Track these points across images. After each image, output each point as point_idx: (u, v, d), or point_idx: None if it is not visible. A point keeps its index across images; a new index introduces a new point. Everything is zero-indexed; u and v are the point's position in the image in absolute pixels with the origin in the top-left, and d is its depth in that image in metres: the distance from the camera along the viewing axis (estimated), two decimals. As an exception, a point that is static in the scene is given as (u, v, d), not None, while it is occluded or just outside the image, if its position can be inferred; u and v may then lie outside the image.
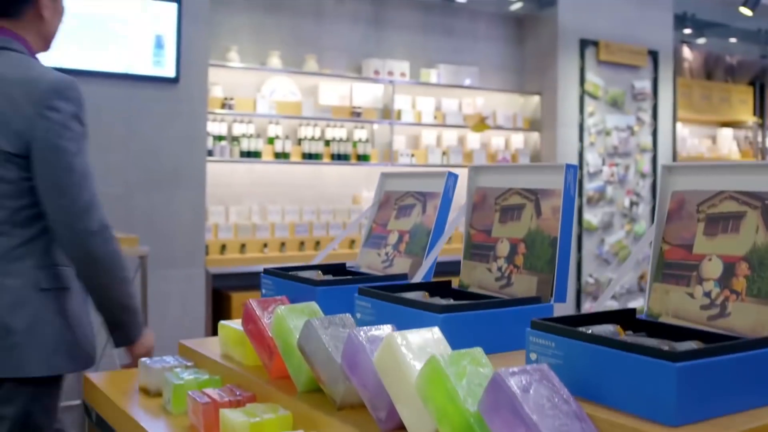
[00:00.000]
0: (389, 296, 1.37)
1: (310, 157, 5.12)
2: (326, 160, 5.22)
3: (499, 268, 1.48)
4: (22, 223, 1.79)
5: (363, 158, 5.37)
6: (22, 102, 1.75)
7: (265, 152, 5.00)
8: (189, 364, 1.63)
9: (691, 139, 7.15)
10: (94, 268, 1.81)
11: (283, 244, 4.97)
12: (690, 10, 7.01)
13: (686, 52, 7.06)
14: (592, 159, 6.21)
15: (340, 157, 5.26)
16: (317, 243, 5.10)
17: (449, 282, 1.54)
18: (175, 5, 4.45)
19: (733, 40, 7.39)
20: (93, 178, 1.80)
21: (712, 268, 1.16)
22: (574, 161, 6.13)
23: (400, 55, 5.71)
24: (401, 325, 1.20)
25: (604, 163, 6.29)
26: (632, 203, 6.48)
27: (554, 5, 6.01)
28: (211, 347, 1.69)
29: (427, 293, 1.46)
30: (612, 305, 6.10)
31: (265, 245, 4.90)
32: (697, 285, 1.17)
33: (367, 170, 5.53)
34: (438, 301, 1.41)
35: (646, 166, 6.57)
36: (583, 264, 6.19)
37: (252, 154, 4.92)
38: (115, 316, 1.88)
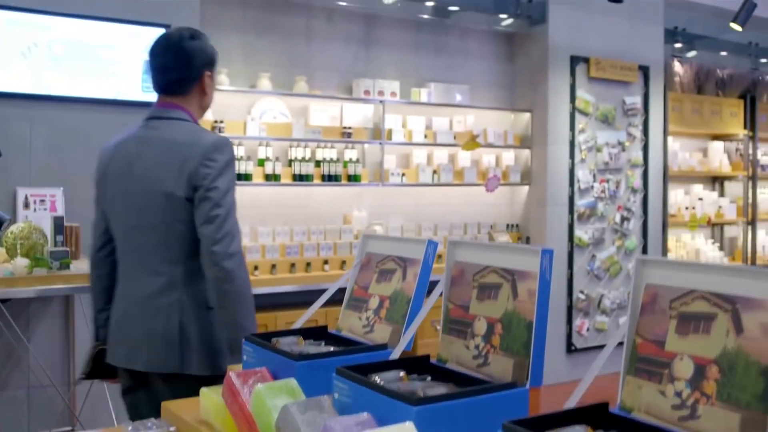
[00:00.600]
0: (366, 381, 1.37)
1: (300, 178, 5.12)
2: (317, 181, 5.22)
3: (477, 347, 1.48)
4: (194, 255, 2.31)
5: (354, 178, 5.37)
6: (191, 158, 2.29)
7: (256, 174, 5.00)
8: (172, 429, 1.64)
9: (682, 153, 7.17)
10: (225, 287, 2.26)
11: (274, 266, 4.98)
12: (681, 24, 7.03)
13: (677, 66, 7.07)
14: (582, 175, 6.22)
15: (330, 178, 5.26)
16: (308, 264, 5.11)
17: (428, 357, 1.55)
18: (163, 30, 4.44)
19: (723, 53, 7.41)
20: (235, 212, 2.35)
21: (684, 368, 1.16)
22: (565, 178, 6.14)
23: (391, 75, 5.71)
24: (377, 411, 1.24)
25: (595, 179, 6.31)
26: (623, 219, 6.49)
27: (545, 22, 6.02)
28: (196, 412, 1.69)
29: (404, 373, 1.46)
30: (604, 320, 6.12)
31: (256, 268, 4.91)
32: (668, 383, 1.17)
33: (358, 190, 5.54)
34: (414, 383, 1.41)
35: (637, 181, 6.58)
36: (574, 280, 6.20)
37: (242, 177, 4.92)
38: (240, 331, 2.19)
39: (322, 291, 1.87)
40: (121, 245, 2.46)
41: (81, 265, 3.63)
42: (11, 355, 4.21)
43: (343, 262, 5.19)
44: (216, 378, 2.09)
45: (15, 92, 4.06)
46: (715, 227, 7.82)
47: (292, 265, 5.05)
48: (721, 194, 7.75)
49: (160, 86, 2.48)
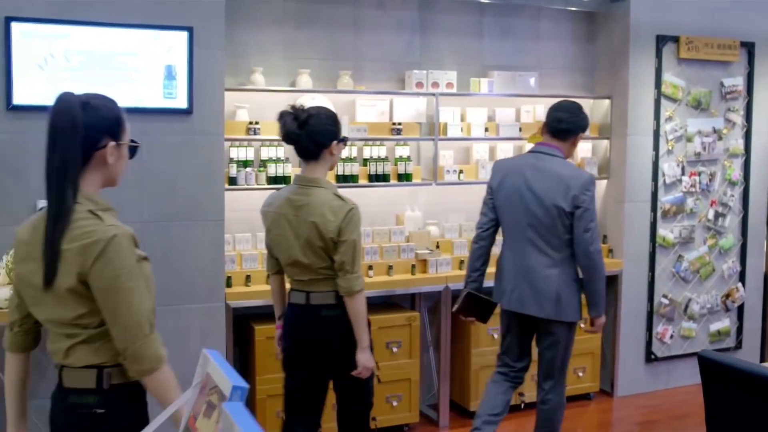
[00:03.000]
0: None
1: (345, 179, 4.86)
2: (363, 181, 4.95)
3: None
4: (566, 246, 3.77)
5: (405, 177, 5.05)
6: (573, 187, 3.72)
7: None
8: None
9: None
10: (591, 269, 3.77)
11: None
12: (799, -9, 6.17)
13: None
14: (668, 168, 5.61)
15: (378, 178, 4.97)
16: (369, 267, 4.86)
17: None
18: (185, 33, 4.26)
19: None
20: (597, 229, 3.78)
21: None
22: (648, 171, 5.56)
23: (448, 64, 5.31)
24: None
25: (684, 172, 5.68)
26: (718, 215, 5.84)
27: (626, -1, 5.41)
28: None
29: None
30: (691, 327, 5.58)
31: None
32: None
33: (412, 189, 5.22)
34: None
35: (736, 173, 5.89)
36: (656, 284, 5.65)
37: (280, 180, 4.72)
38: (595, 297, 3.83)
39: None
40: (513, 232, 3.88)
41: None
42: (36, 366, 4.23)
43: (390, 267, 4.92)
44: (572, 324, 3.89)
45: (33, 104, 4.00)
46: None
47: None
48: None
49: None
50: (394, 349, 4.89)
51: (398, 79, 5.22)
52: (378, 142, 5.00)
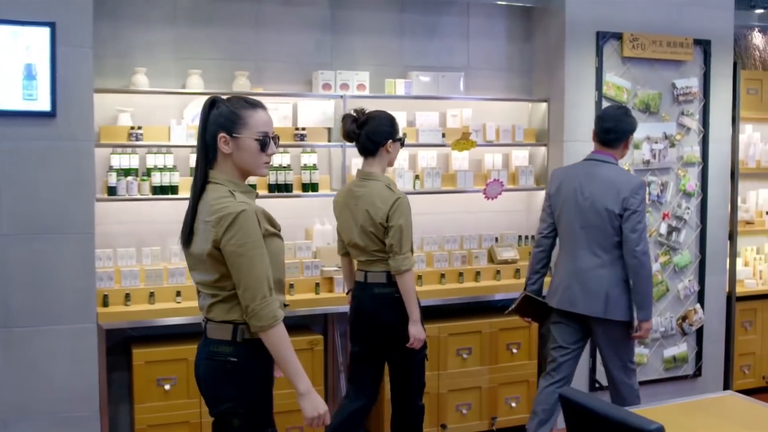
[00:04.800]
0: None
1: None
2: (261, 191, 4.55)
3: None
4: (615, 248, 3.91)
5: (311, 187, 4.64)
6: (623, 190, 3.89)
7: (183, 186, 4.39)
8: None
9: (764, 145, 5.81)
10: (638, 269, 3.86)
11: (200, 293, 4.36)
12: (763, -16, 5.67)
13: (756, 38, 5.72)
14: (612, 178, 5.11)
15: (280, 188, 4.57)
16: None
17: None
18: (47, 29, 3.91)
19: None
20: (646, 230, 3.93)
21: None
22: (589, 181, 5.07)
23: (364, 65, 4.89)
24: None
25: (630, 182, 5.17)
26: (671, 229, 5.32)
27: (562, -8, 4.95)
28: None
29: None
30: (642, 352, 5.10)
31: (178, 293, 4.31)
32: None
33: (321, 201, 4.79)
34: None
35: (692, 183, 5.37)
36: (600, 305, 5.14)
37: (166, 190, 4.33)
38: (642, 299, 3.90)
39: None
40: (567, 235, 4.05)
41: None
42: None
43: (291, 286, 4.50)
44: (630, 323, 3.98)
45: None
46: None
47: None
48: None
49: None
50: (295, 375, 4.45)
51: (306, 81, 4.82)
52: (281, 150, 4.60)
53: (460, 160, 5.08)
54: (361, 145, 3.81)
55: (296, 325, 4.68)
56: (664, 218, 5.30)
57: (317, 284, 4.57)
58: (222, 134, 2.58)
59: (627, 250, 3.87)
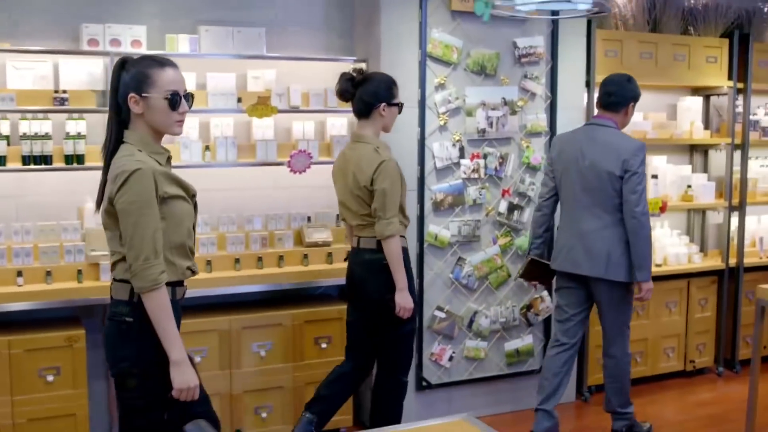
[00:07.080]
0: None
1: (-20, 161, 3.82)
2: (14, 164, 3.92)
3: None
4: (617, 209, 3.99)
5: (76, 159, 4.00)
6: (623, 153, 3.95)
7: None
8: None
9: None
10: (637, 229, 3.93)
11: None
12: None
13: (616, -7, 5.11)
14: (440, 149, 4.51)
15: (36, 160, 3.93)
16: (18, 273, 3.84)
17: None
18: None
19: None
20: (645, 192, 4.00)
21: None
22: (412, 153, 4.47)
23: (145, 19, 4.25)
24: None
25: (463, 154, 4.58)
26: (512, 207, 4.72)
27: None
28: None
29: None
30: (479, 346, 4.52)
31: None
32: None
33: (93, 175, 4.13)
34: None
35: (537, 156, 4.77)
36: (427, 293, 4.55)
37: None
38: (641, 259, 3.97)
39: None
40: (570, 198, 4.12)
41: None
42: None
43: (48, 273, 3.86)
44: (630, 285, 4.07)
45: None
46: (692, 213, 5.80)
47: (-39, 278, 3.78)
48: (704, 169, 5.70)
49: None
50: (49, 378, 3.84)
51: (75, 37, 4.16)
52: (41, 116, 3.96)
53: (263, 128, 4.44)
54: (355, 106, 3.76)
55: (55, 318, 4.08)
56: (503, 195, 4.70)
57: (79, 271, 3.94)
58: (132, 94, 2.58)
59: (626, 211, 3.94)
